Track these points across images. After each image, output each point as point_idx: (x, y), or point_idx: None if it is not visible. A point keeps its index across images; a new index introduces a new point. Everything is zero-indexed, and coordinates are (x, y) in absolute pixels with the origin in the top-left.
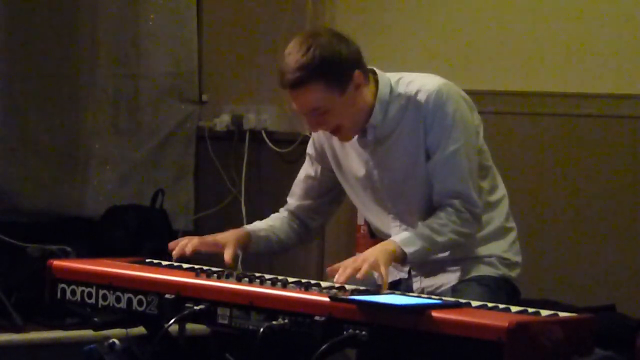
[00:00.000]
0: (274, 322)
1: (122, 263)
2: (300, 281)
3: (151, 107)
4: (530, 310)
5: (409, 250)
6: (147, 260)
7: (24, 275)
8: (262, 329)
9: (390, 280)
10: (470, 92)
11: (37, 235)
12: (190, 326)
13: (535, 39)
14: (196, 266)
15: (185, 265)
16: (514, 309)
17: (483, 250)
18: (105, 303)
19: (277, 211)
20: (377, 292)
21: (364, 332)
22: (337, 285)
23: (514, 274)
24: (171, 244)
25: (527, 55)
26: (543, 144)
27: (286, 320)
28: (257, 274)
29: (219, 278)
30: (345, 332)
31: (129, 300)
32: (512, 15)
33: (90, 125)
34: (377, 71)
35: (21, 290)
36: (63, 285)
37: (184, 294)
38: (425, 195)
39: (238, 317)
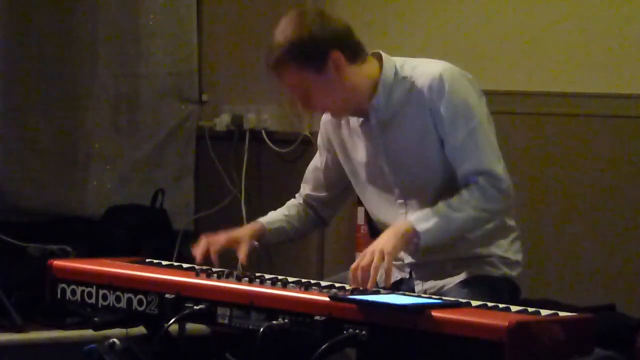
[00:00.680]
0: (274, 322)
1: (122, 263)
2: (300, 281)
3: (151, 107)
4: (530, 310)
5: (422, 227)
6: (147, 260)
7: (24, 275)
8: (262, 329)
9: (392, 280)
10: None
11: (37, 235)
12: (190, 326)
13: (535, 39)
14: (196, 266)
15: (185, 265)
16: (514, 308)
17: (483, 250)
18: (105, 303)
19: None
20: (377, 291)
21: (363, 332)
22: (337, 285)
23: (515, 272)
24: (194, 252)
25: (527, 55)
26: (543, 144)
27: (286, 320)
28: (257, 274)
29: (219, 278)
30: (345, 332)
31: (129, 300)
32: (512, 15)
33: (90, 125)
34: (383, 54)
35: (21, 290)
36: (63, 285)
37: (184, 293)
38: (435, 181)
39: (238, 317)
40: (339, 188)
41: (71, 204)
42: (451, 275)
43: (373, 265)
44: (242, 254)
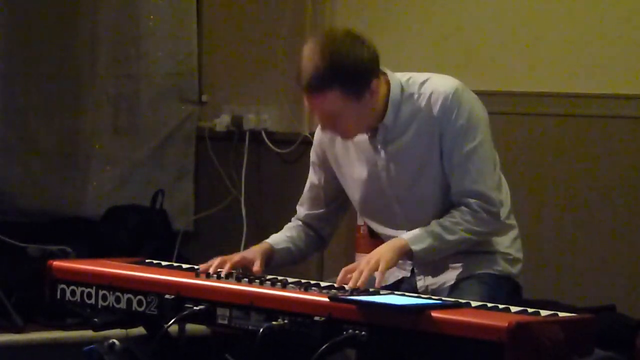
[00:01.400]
0: (273, 323)
1: (122, 263)
2: (300, 281)
3: (151, 107)
4: (530, 310)
5: (416, 247)
6: (147, 261)
7: (24, 275)
8: (261, 329)
9: (392, 280)
10: None
11: (37, 235)
12: (190, 326)
13: (535, 39)
14: (196, 266)
15: (185, 266)
16: (513, 309)
17: (485, 246)
18: (105, 303)
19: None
20: (377, 292)
21: (363, 333)
22: (336, 285)
23: (515, 270)
24: (202, 268)
25: (527, 55)
26: (543, 144)
27: (286, 321)
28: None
29: (218, 278)
30: (344, 333)
31: (129, 301)
32: (512, 16)
33: (90, 126)
34: (387, 71)
35: (21, 290)
36: (63, 285)
37: (183, 294)
38: (436, 198)
39: (238, 317)
40: (337, 202)
41: (71, 204)
42: (453, 272)
43: (368, 268)
44: (257, 266)
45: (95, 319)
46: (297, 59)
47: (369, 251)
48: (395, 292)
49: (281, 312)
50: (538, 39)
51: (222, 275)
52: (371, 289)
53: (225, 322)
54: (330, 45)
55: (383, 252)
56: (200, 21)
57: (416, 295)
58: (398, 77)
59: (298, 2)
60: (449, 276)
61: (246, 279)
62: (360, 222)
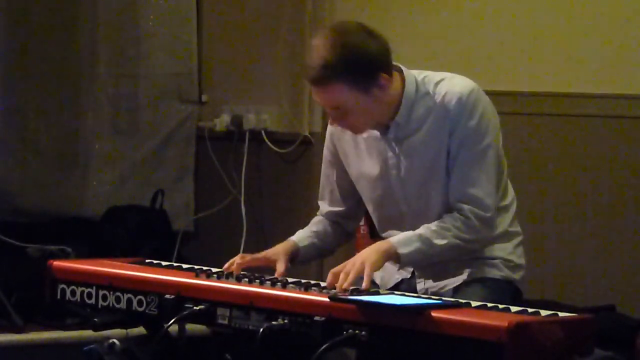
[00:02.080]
0: (273, 322)
1: (122, 263)
2: (299, 281)
3: (151, 107)
4: (530, 310)
5: (402, 251)
6: (147, 261)
7: (24, 275)
8: (261, 329)
9: (393, 282)
10: None
11: (37, 235)
12: (190, 326)
13: (535, 39)
14: (196, 266)
15: (185, 266)
16: (513, 309)
17: (487, 252)
18: (105, 303)
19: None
20: (377, 292)
21: (363, 332)
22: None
23: (517, 276)
24: (225, 267)
25: (527, 55)
26: (543, 144)
27: (286, 321)
28: (257, 274)
29: (218, 278)
30: (344, 332)
31: (129, 301)
32: (512, 16)
33: (90, 126)
34: (403, 68)
35: (21, 290)
36: (63, 285)
37: (183, 294)
38: (443, 198)
39: (238, 317)
40: (354, 199)
41: (71, 204)
42: (454, 276)
43: (352, 271)
44: (280, 268)
45: (95, 319)
46: (306, 51)
47: None
48: (395, 292)
49: (281, 312)
50: (538, 39)
51: (238, 270)
52: (371, 289)
53: (225, 322)
54: (339, 37)
55: (368, 254)
56: (200, 21)
57: (416, 295)
58: (414, 75)
59: (298, 1)
60: (450, 280)
61: (246, 279)
62: (360, 222)
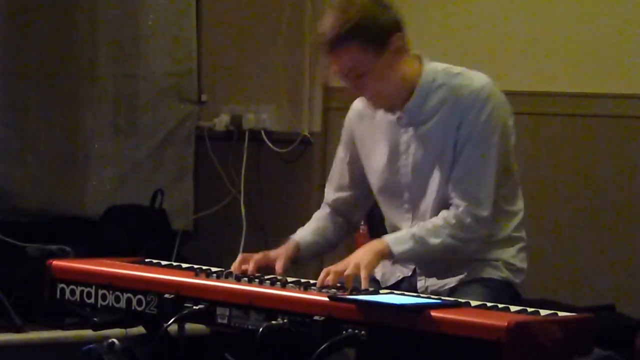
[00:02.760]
0: (273, 322)
1: (121, 263)
2: (299, 281)
3: (151, 107)
4: (530, 310)
5: (397, 249)
6: (147, 260)
7: (23, 275)
8: (261, 329)
9: (393, 280)
10: None
11: (36, 235)
12: (189, 326)
13: (535, 39)
14: (195, 266)
15: (184, 265)
16: (513, 308)
17: (490, 254)
18: (105, 303)
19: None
20: (376, 291)
21: (363, 332)
22: (317, 286)
23: (518, 280)
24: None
25: (527, 55)
26: (543, 144)
27: (285, 320)
28: (257, 274)
29: (218, 278)
30: (344, 332)
31: (129, 300)
32: (512, 16)
33: (90, 125)
34: (425, 58)
35: (20, 290)
36: (62, 285)
37: (183, 293)
38: (444, 190)
39: (237, 316)
40: (363, 186)
41: (70, 204)
42: (455, 275)
43: (346, 272)
44: (278, 266)
45: (95, 319)
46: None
47: None
48: (395, 292)
49: (281, 311)
50: (538, 39)
51: (249, 273)
52: (370, 289)
53: (225, 321)
54: (349, 4)
55: (362, 255)
56: (200, 21)
57: (416, 294)
58: (433, 66)
59: (298, 2)
60: (451, 279)
61: (246, 279)
62: (365, 213)
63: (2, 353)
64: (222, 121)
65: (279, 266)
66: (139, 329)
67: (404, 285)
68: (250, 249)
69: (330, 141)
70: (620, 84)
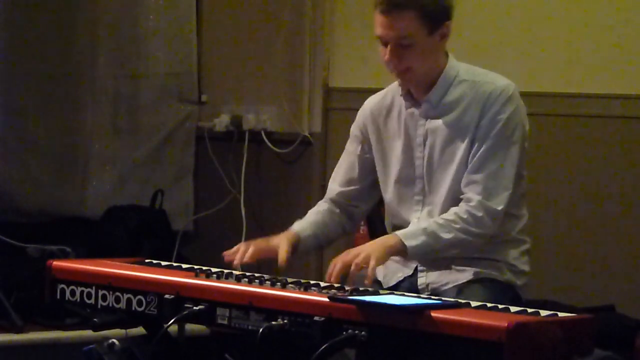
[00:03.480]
0: (273, 323)
1: (121, 263)
2: (299, 281)
3: (151, 107)
4: (530, 310)
5: (410, 243)
6: (147, 261)
7: (23, 275)
8: (261, 329)
9: (395, 281)
10: None
11: (37, 235)
12: (189, 326)
13: (535, 39)
14: (196, 266)
15: (184, 266)
16: (513, 309)
17: (492, 254)
18: (105, 303)
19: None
20: (377, 292)
21: (363, 332)
22: (336, 285)
23: (520, 282)
24: (227, 256)
25: (527, 55)
26: (543, 144)
27: (285, 321)
28: (257, 274)
29: (218, 278)
30: (344, 332)
31: (129, 301)
32: (512, 16)
33: (90, 126)
34: (450, 55)
35: (21, 290)
36: (62, 285)
37: (183, 294)
38: (455, 184)
39: (237, 317)
40: (371, 179)
41: (71, 204)
42: (456, 274)
43: (356, 260)
44: (281, 257)
45: (95, 319)
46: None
47: None
48: (395, 292)
49: (281, 312)
50: (538, 39)
51: (245, 260)
52: (370, 289)
53: (225, 322)
54: None
55: (374, 248)
56: (200, 21)
57: (416, 295)
58: (457, 63)
59: (298, 2)
60: (452, 277)
61: (246, 279)
62: (370, 209)
63: (2, 353)
64: (222, 121)
65: (282, 255)
66: (139, 330)
67: (405, 284)
68: None
69: (330, 141)
70: (619, 84)
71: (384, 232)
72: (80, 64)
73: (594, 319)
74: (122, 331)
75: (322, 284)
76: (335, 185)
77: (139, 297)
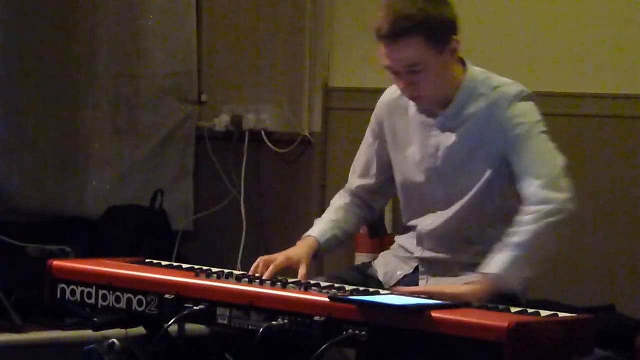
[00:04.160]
0: (273, 323)
1: (122, 263)
2: (299, 281)
3: (151, 107)
4: (530, 310)
5: (506, 274)
6: (147, 261)
7: (23, 275)
8: (261, 329)
9: (395, 280)
10: None
11: (37, 235)
12: (190, 326)
13: (535, 39)
14: (196, 266)
15: (184, 266)
16: (513, 309)
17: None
18: (105, 303)
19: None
20: (377, 292)
21: (363, 333)
22: (336, 285)
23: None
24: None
25: (527, 55)
26: None
27: (286, 321)
28: (257, 274)
29: (218, 278)
30: (344, 333)
31: (129, 301)
32: (511, 16)
33: (90, 126)
34: (468, 63)
35: (21, 290)
36: (63, 285)
37: (183, 294)
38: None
39: (238, 317)
40: (388, 175)
41: (71, 204)
42: (457, 276)
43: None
44: (302, 273)
45: (95, 319)
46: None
47: (368, 251)
48: (395, 292)
49: (281, 312)
50: (538, 39)
51: (264, 278)
52: (371, 289)
53: (225, 322)
54: None
55: (479, 298)
56: (200, 21)
57: (416, 295)
58: (478, 74)
59: (298, 2)
60: (452, 280)
61: (246, 279)
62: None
63: (2, 353)
64: (222, 121)
65: (302, 270)
66: (140, 330)
67: (406, 283)
68: (250, 249)
69: (331, 141)
70: (619, 84)
71: (384, 231)
72: (80, 64)
73: (594, 319)
74: (123, 331)
75: (323, 284)
76: (355, 177)
77: (140, 297)
